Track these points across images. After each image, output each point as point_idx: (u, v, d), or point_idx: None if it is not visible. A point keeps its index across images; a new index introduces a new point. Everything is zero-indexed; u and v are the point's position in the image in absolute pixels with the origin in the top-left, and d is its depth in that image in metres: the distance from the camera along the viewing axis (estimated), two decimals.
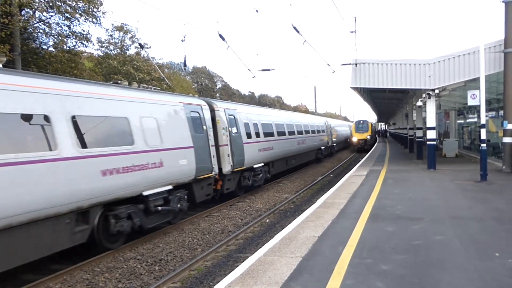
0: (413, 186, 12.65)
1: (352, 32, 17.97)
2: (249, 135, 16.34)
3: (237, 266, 6.47)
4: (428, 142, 17.61)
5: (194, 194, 11.99)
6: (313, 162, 29.87)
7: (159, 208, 10.01)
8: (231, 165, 14.22)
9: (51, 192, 7.17)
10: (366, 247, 6.42)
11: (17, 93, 6.99)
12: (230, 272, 6.02)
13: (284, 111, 30.28)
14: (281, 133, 20.94)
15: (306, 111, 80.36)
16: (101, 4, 24.05)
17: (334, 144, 38.75)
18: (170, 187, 10.49)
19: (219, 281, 5.61)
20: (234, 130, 14.98)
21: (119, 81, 11.72)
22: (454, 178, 14.01)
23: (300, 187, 19.03)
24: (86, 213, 8.12)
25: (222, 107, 14.58)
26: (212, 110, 13.88)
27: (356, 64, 16.60)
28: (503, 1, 14.82)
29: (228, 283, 5.24)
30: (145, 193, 9.51)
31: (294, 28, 15.26)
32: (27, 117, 7.10)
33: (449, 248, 6.26)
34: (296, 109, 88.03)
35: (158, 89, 12.91)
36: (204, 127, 12.85)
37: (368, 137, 43.67)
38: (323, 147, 32.29)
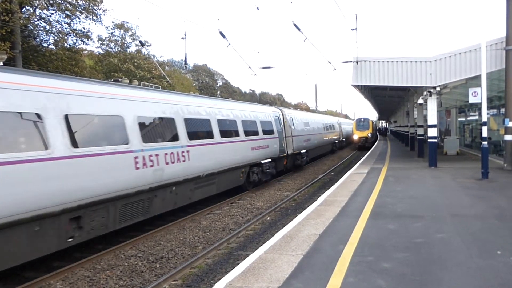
0: (414, 184, 12.63)
1: (353, 29, 17.92)
2: (299, 131, 23.87)
3: (238, 263, 6.48)
4: (429, 140, 17.57)
5: (276, 166, 19.17)
6: (330, 152, 37.15)
7: (267, 170, 17.87)
8: (292, 149, 21.49)
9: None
10: (367, 245, 6.42)
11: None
12: (231, 269, 6.02)
13: (314, 113, 38.82)
14: (314, 130, 28.37)
15: (307, 109, 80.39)
16: (102, 1, 24.04)
17: (344, 139, 45.92)
18: (270, 160, 17.97)
19: (220, 279, 5.60)
20: (292, 127, 22.50)
21: (119, 79, 11.70)
22: (455, 176, 13.99)
23: (301, 185, 19.02)
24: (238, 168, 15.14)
25: (287, 112, 22.61)
26: (282, 114, 21.27)
27: (357, 62, 16.56)
28: None
29: (229, 281, 5.24)
30: (262, 162, 17.14)
31: (295, 25, 15.22)
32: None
33: (450, 246, 6.25)
34: (296, 107, 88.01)
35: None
36: (281, 125, 20.40)
37: (369, 135, 43.61)
38: (336, 141, 39.86)
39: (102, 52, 32.19)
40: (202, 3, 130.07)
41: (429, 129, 17.58)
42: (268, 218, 12.50)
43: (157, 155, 9.98)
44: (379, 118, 77.86)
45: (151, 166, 9.74)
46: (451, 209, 8.82)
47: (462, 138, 27.45)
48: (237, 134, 14.99)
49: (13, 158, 6.49)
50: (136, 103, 10.01)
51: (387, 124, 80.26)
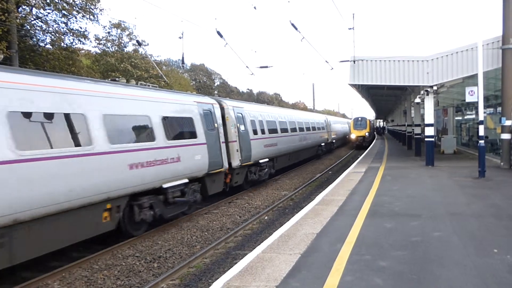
0: (411, 183, 12.66)
1: (350, 29, 17.96)
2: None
3: (236, 263, 6.48)
4: (426, 139, 17.63)
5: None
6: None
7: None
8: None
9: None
10: (365, 243, 6.43)
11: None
12: (229, 269, 6.02)
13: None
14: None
15: (304, 108, 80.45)
16: (98, 1, 23.99)
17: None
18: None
19: (218, 278, 5.60)
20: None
21: (116, 79, 11.68)
22: (453, 175, 14.04)
23: (299, 184, 19.04)
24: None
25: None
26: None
27: (354, 61, 16.59)
28: None
29: (227, 280, 5.24)
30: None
31: (292, 25, 15.24)
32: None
33: (447, 244, 6.27)
34: (294, 106, 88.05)
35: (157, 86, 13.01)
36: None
37: (367, 134, 43.67)
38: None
39: (99, 52, 32.12)
40: (199, 2, 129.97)
41: (426, 128, 17.63)
42: (266, 218, 12.51)
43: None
44: (377, 117, 77.92)
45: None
46: (448, 207, 8.85)
47: (459, 137, 27.54)
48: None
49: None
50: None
51: (385, 123, 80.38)
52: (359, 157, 24.85)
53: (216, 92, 67.37)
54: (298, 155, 25.06)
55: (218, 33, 15.39)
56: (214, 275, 7.72)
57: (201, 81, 68.06)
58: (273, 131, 19.71)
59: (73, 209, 7.59)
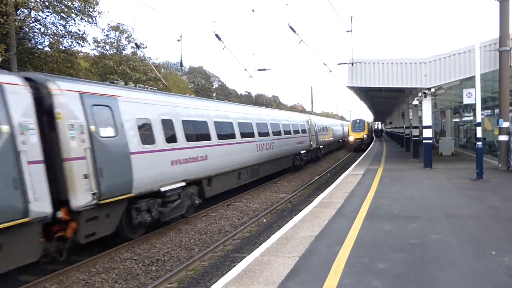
0: (409, 185, 12.67)
1: (348, 31, 18.02)
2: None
3: (234, 266, 6.47)
4: (424, 141, 17.64)
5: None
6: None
7: None
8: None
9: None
10: (363, 246, 6.43)
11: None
12: (227, 272, 6.01)
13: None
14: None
15: (303, 110, 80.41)
16: (97, 3, 23.96)
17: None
18: None
19: (216, 281, 5.60)
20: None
21: (115, 81, 11.69)
22: (451, 177, 14.05)
23: (297, 187, 19.03)
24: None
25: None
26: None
27: (352, 64, 16.61)
28: (498, 0, 14.87)
29: (225, 283, 5.23)
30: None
31: (290, 27, 15.26)
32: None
33: (445, 246, 6.27)
34: (292, 108, 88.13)
35: (154, 89, 13.02)
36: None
37: (365, 136, 43.70)
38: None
39: (98, 54, 32.10)
40: (197, 5, 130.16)
41: (424, 130, 17.65)
42: (264, 220, 12.50)
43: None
44: (375, 120, 78.09)
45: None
46: (446, 209, 8.85)
47: (457, 139, 27.59)
48: None
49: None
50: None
51: (383, 125, 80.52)
52: (357, 159, 24.86)
53: (214, 94, 67.41)
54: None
55: (217, 35, 15.41)
56: (212, 278, 7.71)
57: (200, 83, 68.07)
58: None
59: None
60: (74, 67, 24.08)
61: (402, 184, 12.85)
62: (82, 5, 22.94)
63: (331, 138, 39.08)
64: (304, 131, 26.90)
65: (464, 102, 15.08)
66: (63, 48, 23.40)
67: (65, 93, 8.14)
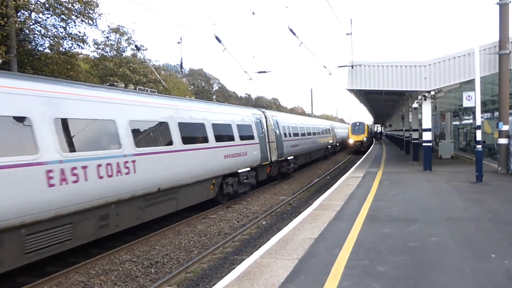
0: (409, 188, 12.67)
1: (348, 34, 18.07)
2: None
3: (234, 268, 6.45)
4: (424, 144, 17.66)
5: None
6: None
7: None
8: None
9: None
10: (363, 248, 6.43)
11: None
12: (227, 274, 6.00)
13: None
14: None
15: (302, 113, 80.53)
16: (97, 6, 24.05)
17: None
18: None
19: (215, 284, 5.59)
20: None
21: (115, 83, 11.68)
22: (450, 180, 14.06)
23: (297, 189, 19.02)
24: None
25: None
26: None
27: (352, 66, 16.65)
28: (497, 3, 14.92)
29: (225, 285, 5.22)
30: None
31: (290, 30, 15.29)
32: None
33: (445, 249, 6.27)
34: (292, 111, 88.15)
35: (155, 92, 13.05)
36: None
37: (365, 139, 43.73)
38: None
39: (98, 56, 32.15)
40: (198, 8, 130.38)
41: (424, 133, 17.67)
42: (264, 223, 12.49)
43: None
44: (375, 122, 78.14)
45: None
46: (445, 212, 8.85)
47: (457, 142, 27.61)
48: None
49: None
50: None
51: (382, 128, 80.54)
52: (357, 162, 24.87)
53: (214, 97, 67.42)
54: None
55: (217, 38, 15.45)
56: (211, 281, 7.69)
57: (200, 86, 68.12)
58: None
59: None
60: (74, 69, 24.13)
61: (402, 187, 12.86)
62: (83, 7, 23.01)
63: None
64: (329, 132, 36.55)
65: (464, 105, 15.10)
66: (63, 50, 23.47)
67: (269, 116, 19.51)
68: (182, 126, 11.46)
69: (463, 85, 16.04)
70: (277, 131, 20.00)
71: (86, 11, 23.40)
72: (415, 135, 24.57)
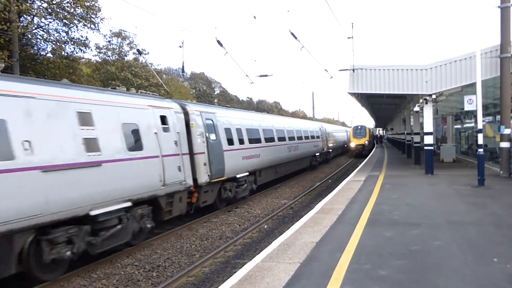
0: (411, 192, 12.66)
1: (349, 38, 18.11)
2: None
3: (235, 272, 6.45)
4: (425, 147, 17.63)
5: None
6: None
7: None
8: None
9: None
10: (364, 252, 6.42)
11: None
12: (228, 278, 5.99)
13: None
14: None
15: (304, 116, 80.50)
16: (99, 10, 24.15)
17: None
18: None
19: (217, 287, 5.58)
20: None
21: (116, 87, 11.73)
22: (452, 183, 14.03)
23: (298, 193, 19.01)
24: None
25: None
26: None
27: (353, 70, 16.67)
28: (499, 7, 14.94)
29: None
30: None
31: (292, 34, 15.36)
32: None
33: (446, 253, 6.25)
34: (294, 114, 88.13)
35: (156, 94, 13.06)
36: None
37: (366, 142, 43.69)
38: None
39: (100, 60, 32.27)
40: (199, 12, 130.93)
41: (426, 137, 17.65)
42: (266, 226, 12.48)
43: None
44: (376, 126, 78.04)
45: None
46: (447, 216, 8.84)
47: (459, 145, 27.55)
48: None
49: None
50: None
51: (384, 131, 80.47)
52: (358, 166, 24.85)
53: (216, 100, 67.54)
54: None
55: (218, 42, 15.52)
56: (213, 284, 7.68)
57: (201, 89, 68.23)
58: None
59: None
60: (76, 73, 24.22)
61: (403, 191, 12.84)
62: (85, 11, 23.12)
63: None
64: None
65: (465, 109, 15.10)
66: (66, 54, 23.56)
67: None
68: None
69: (464, 88, 16.03)
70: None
71: (88, 16, 23.52)
72: (416, 138, 24.54)
